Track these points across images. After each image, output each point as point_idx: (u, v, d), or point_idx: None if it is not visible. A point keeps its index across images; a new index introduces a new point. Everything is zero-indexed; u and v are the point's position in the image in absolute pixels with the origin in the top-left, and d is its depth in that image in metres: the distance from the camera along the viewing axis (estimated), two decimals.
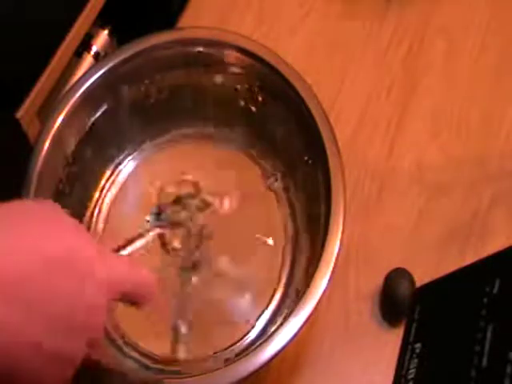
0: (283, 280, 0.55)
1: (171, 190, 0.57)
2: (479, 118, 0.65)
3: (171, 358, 0.53)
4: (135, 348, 0.53)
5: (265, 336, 0.49)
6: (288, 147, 0.57)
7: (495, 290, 0.48)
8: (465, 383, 0.46)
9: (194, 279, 0.54)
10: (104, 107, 0.55)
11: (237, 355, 0.52)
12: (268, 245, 0.57)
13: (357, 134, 0.64)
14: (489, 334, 0.46)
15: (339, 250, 0.48)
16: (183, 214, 0.56)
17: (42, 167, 0.51)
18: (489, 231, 0.60)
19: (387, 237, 0.60)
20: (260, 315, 0.54)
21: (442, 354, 0.51)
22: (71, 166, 0.54)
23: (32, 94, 0.50)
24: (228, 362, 0.51)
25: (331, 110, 0.62)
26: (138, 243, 0.51)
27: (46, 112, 0.52)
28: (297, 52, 0.66)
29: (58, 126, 0.52)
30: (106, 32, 0.59)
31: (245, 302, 0.55)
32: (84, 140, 0.55)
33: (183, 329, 0.53)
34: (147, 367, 0.53)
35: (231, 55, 0.55)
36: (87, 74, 0.54)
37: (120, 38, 0.60)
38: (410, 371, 0.52)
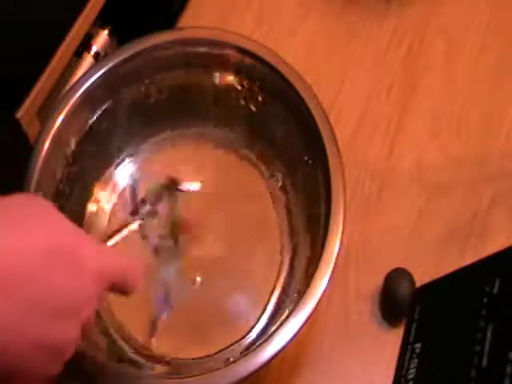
0: (283, 280, 0.55)
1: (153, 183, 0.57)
2: (479, 118, 0.65)
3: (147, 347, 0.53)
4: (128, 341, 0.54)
5: (265, 336, 0.49)
6: (288, 147, 0.57)
7: (495, 290, 0.48)
8: (465, 383, 0.46)
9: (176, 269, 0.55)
10: (104, 107, 0.55)
11: (237, 355, 0.52)
12: (268, 245, 0.57)
13: (357, 134, 0.64)
14: (489, 334, 0.46)
15: (339, 250, 0.48)
16: (163, 206, 0.56)
17: (42, 167, 0.51)
18: (489, 231, 0.60)
19: (387, 237, 0.60)
20: (260, 315, 0.54)
21: (442, 354, 0.51)
22: (71, 165, 0.54)
23: (32, 94, 0.50)
24: (228, 362, 0.51)
25: (331, 110, 0.62)
26: (120, 235, 0.51)
27: (46, 112, 0.52)
28: (297, 52, 0.66)
29: (58, 126, 0.52)
30: (105, 32, 0.59)
31: (245, 301, 0.55)
32: (84, 140, 0.55)
33: (162, 317, 0.53)
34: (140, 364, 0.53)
35: (231, 55, 0.55)
36: (87, 74, 0.54)
37: (120, 37, 0.60)
38: (410, 371, 0.52)
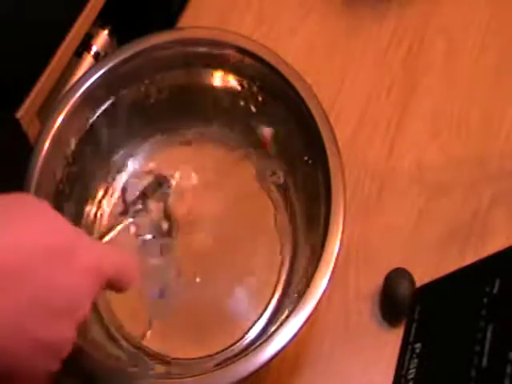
0: (283, 280, 0.55)
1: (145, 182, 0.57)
2: (479, 118, 0.65)
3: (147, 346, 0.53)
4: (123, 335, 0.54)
5: (265, 336, 0.49)
6: (288, 147, 0.57)
7: (495, 290, 0.48)
8: (465, 383, 0.46)
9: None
10: (104, 107, 0.55)
11: (237, 355, 0.52)
12: (267, 245, 0.57)
13: (357, 134, 0.64)
14: (489, 334, 0.46)
15: (339, 250, 0.48)
16: (153, 203, 0.56)
17: (42, 167, 0.51)
18: (489, 231, 0.60)
19: (387, 237, 0.60)
20: (260, 315, 0.54)
21: (442, 354, 0.51)
22: (71, 165, 0.54)
23: (32, 94, 0.50)
24: (228, 361, 0.51)
25: (331, 110, 0.62)
26: (113, 233, 0.51)
27: (46, 112, 0.52)
28: (297, 52, 0.66)
29: (58, 126, 0.52)
30: (105, 32, 0.59)
31: (245, 301, 0.55)
32: (84, 140, 0.55)
33: (159, 315, 0.54)
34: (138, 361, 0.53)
35: (231, 55, 0.55)
36: (87, 74, 0.54)
37: (120, 37, 0.60)
38: (410, 371, 0.52)
